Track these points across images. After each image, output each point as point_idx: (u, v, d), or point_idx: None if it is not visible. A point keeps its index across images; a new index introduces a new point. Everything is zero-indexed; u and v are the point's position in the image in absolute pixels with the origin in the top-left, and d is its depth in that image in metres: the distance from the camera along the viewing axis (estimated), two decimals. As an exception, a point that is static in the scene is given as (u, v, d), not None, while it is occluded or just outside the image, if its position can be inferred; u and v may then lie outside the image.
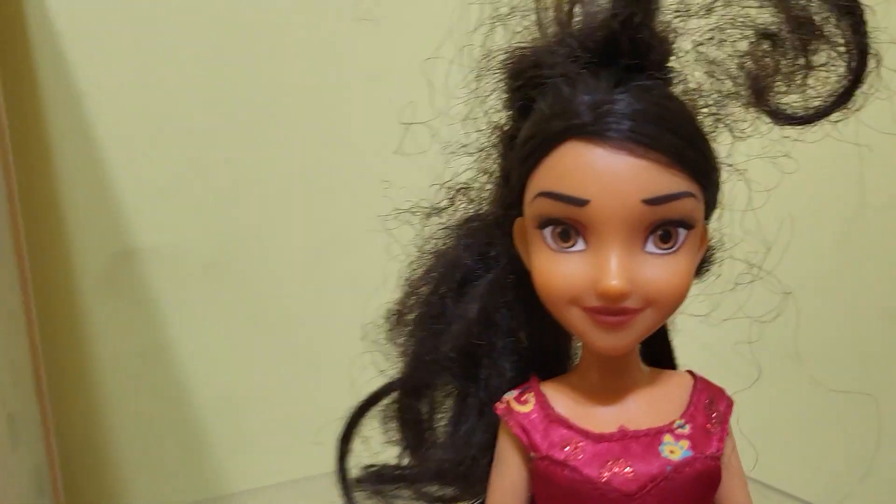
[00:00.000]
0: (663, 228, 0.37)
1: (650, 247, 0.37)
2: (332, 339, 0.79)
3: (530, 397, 0.42)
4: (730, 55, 0.39)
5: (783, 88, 0.39)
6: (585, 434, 0.40)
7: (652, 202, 0.36)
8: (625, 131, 0.36)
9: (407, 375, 0.46)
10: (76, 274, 0.80)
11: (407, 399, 0.47)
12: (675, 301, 0.38)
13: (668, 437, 0.40)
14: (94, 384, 0.81)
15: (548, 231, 0.38)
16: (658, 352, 0.46)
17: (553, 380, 0.43)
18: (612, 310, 0.37)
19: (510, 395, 0.42)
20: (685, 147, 0.36)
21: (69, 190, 0.78)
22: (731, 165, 0.42)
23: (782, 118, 0.40)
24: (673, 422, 0.40)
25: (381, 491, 0.49)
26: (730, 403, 0.42)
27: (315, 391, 0.81)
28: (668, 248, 0.37)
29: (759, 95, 0.39)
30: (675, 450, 0.39)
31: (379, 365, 0.48)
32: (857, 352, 1.02)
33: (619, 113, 0.36)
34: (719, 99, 0.40)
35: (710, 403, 0.41)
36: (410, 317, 0.46)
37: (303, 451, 0.77)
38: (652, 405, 0.41)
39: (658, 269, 0.37)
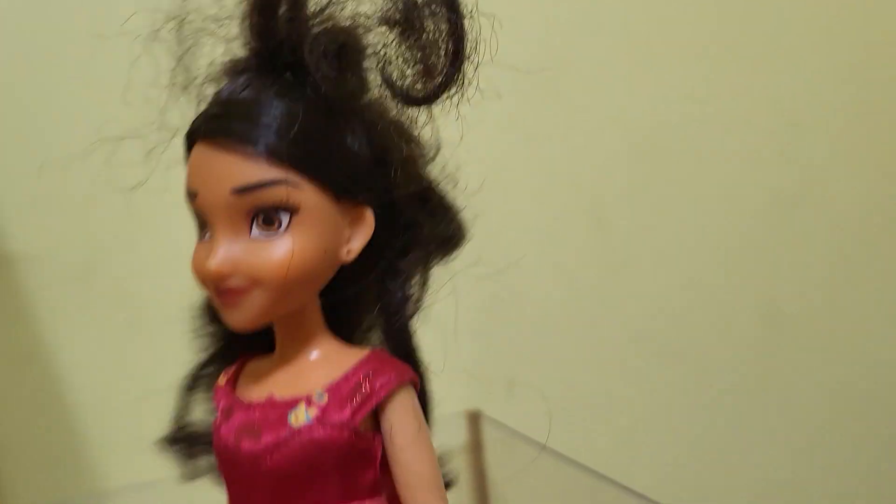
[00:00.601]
0: (263, 214, 0.40)
1: (255, 231, 0.41)
2: None
3: (231, 371, 0.47)
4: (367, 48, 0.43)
5: (404, 70, 0.42)
6: (239, 402, 0.44)
7: (239, 191, 0.40)
8: (217, 129, 0.41)
9: (218, 351, 0.50)
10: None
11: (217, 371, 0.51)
12: (280, 278, 0.41)
13: (301, 405, 0.42)
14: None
15: (196, 223, 0.43)
16: (396, 336, 0.47)
17: (264, 355, 0.46)
18: (220, 289, 0.41)
19: (224, 371, 0.48)
20: (277, 141, 0.40)
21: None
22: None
23: (408, 99, 0.43)
24: (313, 391, 0.42)
25: (201, 451, 0.52)
26: (391, 381, 0.43)
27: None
28: (272, 232, 0.41)
29: (386, 79, 0.43)
30: (300, 416, 0.42)
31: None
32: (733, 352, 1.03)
33: (220, 114, 0.41)
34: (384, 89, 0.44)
35: (366, 378, 0.43)
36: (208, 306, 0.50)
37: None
38: (306, 376, 0.44)
39: (261, 250, 0.41)
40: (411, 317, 0.47)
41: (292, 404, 0.42)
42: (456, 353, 0.51)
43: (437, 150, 0.46)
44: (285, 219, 0.41)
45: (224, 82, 0.43)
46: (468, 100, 0.42)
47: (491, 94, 0.43)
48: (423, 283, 0.48)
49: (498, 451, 0.85)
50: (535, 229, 0.95)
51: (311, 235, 0.41)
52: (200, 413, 0.52)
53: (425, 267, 0.47)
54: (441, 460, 0.47)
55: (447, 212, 0.47)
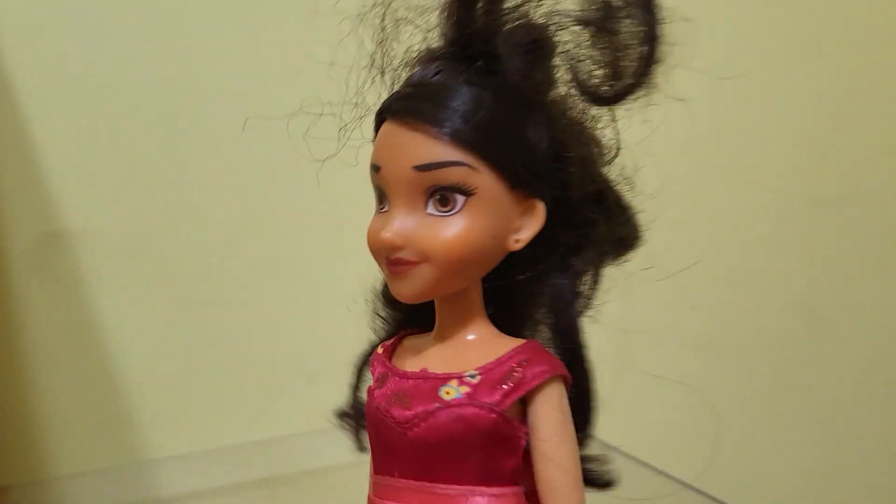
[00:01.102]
0: (440, 193, 0.42)
1: (430, 209, 0.42)
2: (246, 318, 0.89)
3: (389, 343, 0.48)
4: (561, 45, 0.44)
5: (593, 69, 0.44)
6: (394, 371, 0.46)
7: (421, 168, 0.42)
8: (406, 108, 0.42)
9: (390, 333, 0.51)
10: (3, 255, 0.82)
11: None
12: (450, 257, 0.42)
13: (453, 382, 0.43)
14: (22, 361, 0.85)
15: (375, 195, 0.45)
16: (564, 332, 0.48)
17: (420, 333, 0.48)
18: (392, 260, 0.43)
19: (382, 343, 0.49)
20: (461, 125, 0.41)
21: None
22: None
23: (595, 98, 0.44)
24: (466, 371, 0.43)
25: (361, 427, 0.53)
26: (544, 372, 0.43)
27: (233, 367, 0.89)
28: (447, 211, 0.42)
29: (575, 77, 0.44)
30: (451, 392, 0.43)
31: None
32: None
33: (409, 94, 0.43)
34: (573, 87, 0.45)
35: (519, 365, 0.43)
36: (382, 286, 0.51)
37: (222, 422, 0.86)
38: (461, 355, 0.45)
39: (434, 228, 0.42)
40: (580, 314, 0.47)
41: (445, 380, 0.43)
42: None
43: (617, 150, 0.47)
44: (460, 200, 0.42)
45: (417, 68, 0.45)
46: (654, 102, 0.43)
47: (677, 97, 0.44)
48: (595, 282, 0.48)
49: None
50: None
51: (482, 219, 0.42)
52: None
53: (598, 266, 0.48)
54: (601, 459, 0.48)
55: (623, 212, 0.47)
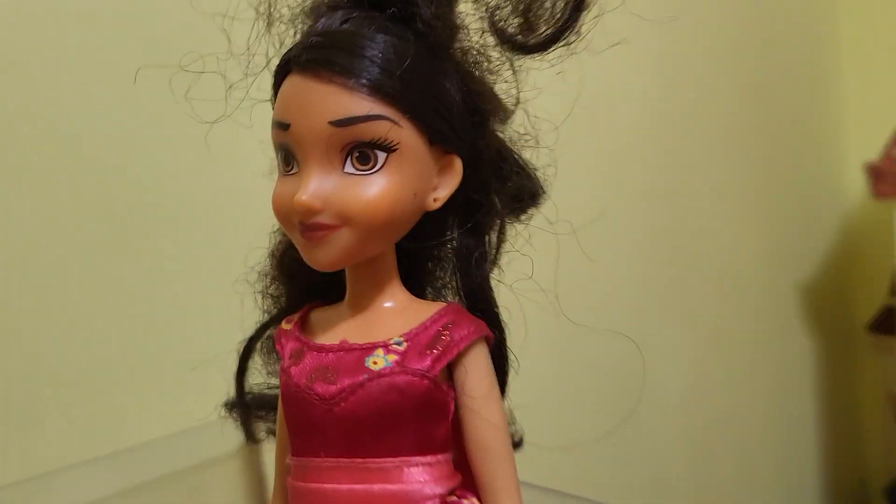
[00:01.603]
0: (359, 150, 0.40)
1: (349, 167, 0.40)
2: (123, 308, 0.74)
3: (295, 317, 0.46)
4: None
5: (516, 19, 0.42)
6: (310, 345, 0.44)
7: (338, 123, 0.39)
8: (316, 59, 0.40)
9: (283, 311, 0.50)
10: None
11: None
12: (371, 219, 0.40)
13: (379, 351, 0.42)
14: None
15: (278, 156, 0.42)
16: (474, 292, 0.47)
17: (327, 305, 0.46)
18: (308, 225, 0.40)
19: (286, 318, 0.47)
20: (380, 75, 0.39)
21: None
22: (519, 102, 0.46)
23: (519, 48, 0.43)
24: (391, 338, 0.42)
25: (261, 416, 0.52)
26: (470, 334, 0.43)
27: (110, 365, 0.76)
28: (367, 170, 0.40)
29: (494, 26, 0.42)
30: (378, 361, 0.41)
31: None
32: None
33: (319, 44, 0.40)
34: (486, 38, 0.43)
35: (445, 329, 0.43)
36: (287, 259, 0.50)
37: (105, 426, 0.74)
38: (381, 323, 0.43)
39: (354, 188, 0.40)
40: (489, 273, 0.47)
41: (369, 349, 0.42)
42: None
43: (517, 104, 0.46)
44: (381, 157, 0.40)
45: (322, 17, 0.42)
46: (574, 52, 0.42)
47: (613, 43, 0.43)
48: (500, 240, 0.47)
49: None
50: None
51: (404, 177, 0.41)
52: (259, 377, 0.52)
53: (503, 223, 0.47)
54: (509, 420, 0.47)
55: (525, 169, 0.47)
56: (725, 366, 1.28)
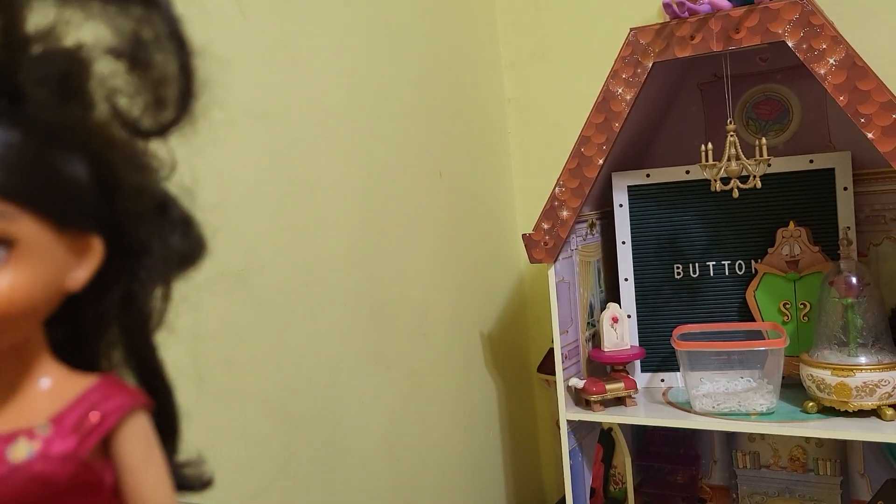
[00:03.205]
0: None
1: None
2: None
3: None
4: (93, 76, 0.41)
5: (134, 101, 0.41)
6: None
7: None
8: None
9: None
10: None
11: None
12: (4, 314, 0.38)
13: (23, 439, 0.39)
14: None
15: None
16: (138, 355, 0.46)
17: None
18: None
19: None
20: None
21: None
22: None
23: (141, 133, 0.42)
24: (35, 424, 0.40)
25: None
26: (121, 407, 0.41)
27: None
28: None
29: (115, 110, 0.41)
30: (21, 451, 0.39)
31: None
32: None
33: None
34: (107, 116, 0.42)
35: (93, 407, 0.41)
36: None
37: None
38: (28, 407, 0.41)
39: None
40: (152, 333, 0.46)
41: (11, 438, 0.39)
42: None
43: (172, 167, 0.45)
44: (2, 253, 0.38)
45: None
46: (196, 132, 0.42)
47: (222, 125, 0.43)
48: (165, 298, 0.46)
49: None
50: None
51: (33, 268, 0.39)
52: None
53: (166, 282, 0.46)
54: (196, 462, 0.47)
55: (185, 227, 0.46)
56: (425, 404, 1.40)
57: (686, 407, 1.30)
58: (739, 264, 1.38)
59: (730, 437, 1.48)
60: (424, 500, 1.39)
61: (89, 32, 0.40)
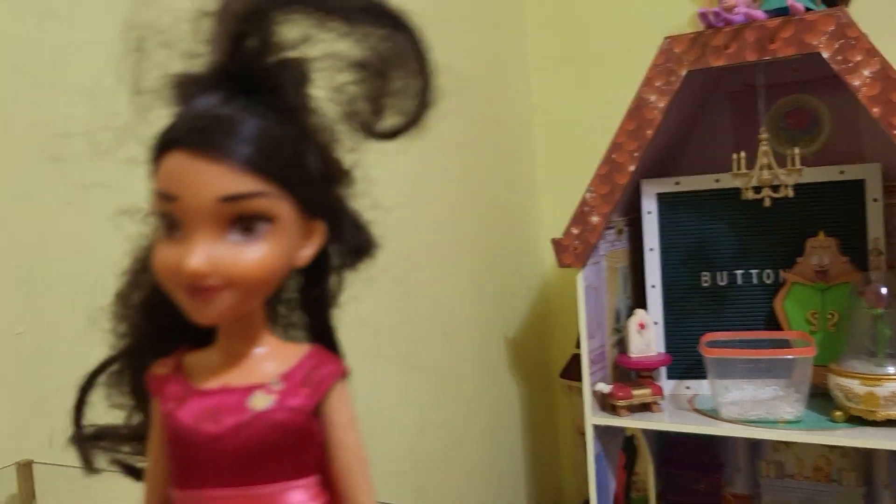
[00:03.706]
0: (243, 221, 0.44)
1: (233, 236, 0.44)
2: None
3: (169, 361, 0.49)
4: (334, 83, 0.47)
5: (371, 109, 0.47)
6: (192, 389, 0.47)
7: (226, 199, 0.43)
8: (203, 140, 0.43)
9: (130, 347, 0.52)
10: None
11: (131, 368, 0.53)
12: (253, 281, 0.44)
13: (260, 392, 0.46)
14: None
15: (163, 223, 0.45)
16: (321, 332, 0.53)
17: (203, 348, 0.49)
18: (195, 287, 0.44)
19: (159, 362, 0.50)
20: (261, 157, 0.43)
21: None
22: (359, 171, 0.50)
23: (374, 135, 0.48)
24: (269, 380, 0.46)
25: (104, 447, 0.54)
26: (334, 373, 0.48)
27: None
28: (249, 238, 0.44)
29: (352, 116, 0.47)
30: (260, 401, 0.45)
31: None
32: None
33: (202, 126, 0.44)
34: (336, 119, 0.48)
35: (314, 369, 0.47)
36: (133, 300, 0.52)
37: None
38: (257, 367, 0.47)
39: (238, 255, 0.44)
40: (331, 314, 0.52)
41: (249, 391, 0.46)
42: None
43: (356, 170, 0.51)
44: (262, 227, 0.44)
45: (194, 95, 0.45)
46: (420, 139, 0.48)
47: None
48: (340, 285, 0.52)
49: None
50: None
51: (280, 243, 0.45)
52: (100, 409, 0.54)
53: (342, 271, 0.52)
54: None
55: (362, 226, 0.52)
56: (450, 404, 1.41)
57: (712, 414, 1.30)
58: (767, 273, 1.38)
59: (754, 446, 1.48)
60: (447, 502, 1.39)
61: (338, 46, 0.46)
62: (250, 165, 0.43)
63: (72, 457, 0.55)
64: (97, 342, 0.54)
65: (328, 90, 0.47)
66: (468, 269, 1.49)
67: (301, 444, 0.46)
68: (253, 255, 0.44)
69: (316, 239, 0.48)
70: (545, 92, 1.72)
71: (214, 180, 0.43)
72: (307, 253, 0.48)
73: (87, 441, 0.54)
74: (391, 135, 0.48)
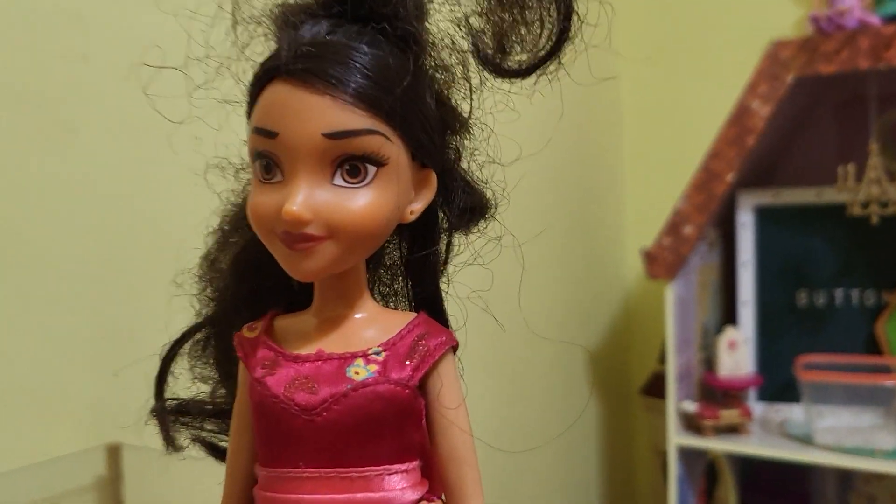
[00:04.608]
0: (350, 163, 0.38)
1: (338, 180, 0.38)
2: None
3: (258, 325, 0.44)
4: (460, 15, 0.42)
5: (503, 44, 0.41)
6: (284, 355, 0.42)
7: (332, 136, 0.37)
8: (310, 70, 0.38)
9: (218, 313, 0.48)
10: None
11: (217, 336, 0.49)
12: (358, 232, 0.39)
13: (359, 361, 0.40)
14: None
15: (257, 164, 0.40)
16: (427, 300, 0.47)
17: (295, 312, 0.45)
18: (295, 236, 0.38)
19: (247, 325, 0.45)
20: (375, 90, 0.38)
21: None
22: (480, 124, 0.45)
23: (503, 72, 0.42)
24: (370, 348, 0.41)
25: (186, 423, 0.51)
26: (444, 343, 0.42)
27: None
28: (357, 183, 0.38)
29: (481, 50, 0.41)
30: (360, 371, 0.40)
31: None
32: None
33: (311, 54, 0.38)
34: (459, 56, 0.42)
35: (420, 339, 0.42)
36: (222, 262, 0.47)
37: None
38: (356, 333, 0.42)
39: (343, 201, 0.38)
40: (439, 281, 0.47)
41: (348, 359, 0.41)
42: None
43: (473, 123, 0.45)
44: (371, 171, 0.39)
45: (301, 25, 0.40)
46: (558, 80, 0.42)
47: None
48: (448, 251, 0.47)
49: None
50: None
51: (390, 191, 0.39)
52: (185, 382, 0.51)
53: (451, 234, 0.47)
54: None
55: (476, 184, 0.46)
56: (525, 412, 1.35)
57: (805, 440, 1.23)
58: (869, 294, 1.30)
59: (844, 477, 1.40)
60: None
61: None
62: (363, 99, 0.38)
63: (156, 438, 0.52)
64: (181, 308, 0.50)
65: (451, 22, 0.42)
66: (551, 272, 1.44)
67: (404, 422, 0.41)
68: (360, 203, 0.39)
69: (427, 192, 0.43)
70: (635, 91, 1.64)
71: (320, 114, 0.37)
72: (418, 207, 0.42)
73: (170, 416, 0.50)
74: (520, 73, 0.42)
